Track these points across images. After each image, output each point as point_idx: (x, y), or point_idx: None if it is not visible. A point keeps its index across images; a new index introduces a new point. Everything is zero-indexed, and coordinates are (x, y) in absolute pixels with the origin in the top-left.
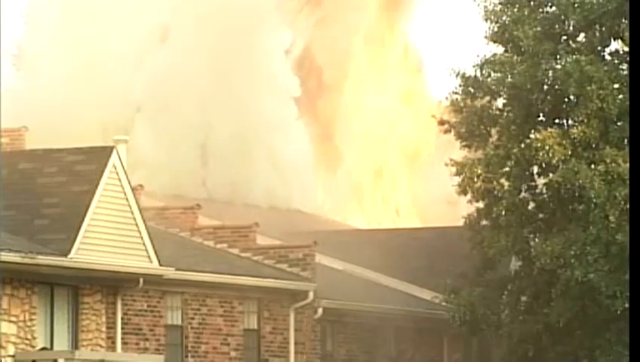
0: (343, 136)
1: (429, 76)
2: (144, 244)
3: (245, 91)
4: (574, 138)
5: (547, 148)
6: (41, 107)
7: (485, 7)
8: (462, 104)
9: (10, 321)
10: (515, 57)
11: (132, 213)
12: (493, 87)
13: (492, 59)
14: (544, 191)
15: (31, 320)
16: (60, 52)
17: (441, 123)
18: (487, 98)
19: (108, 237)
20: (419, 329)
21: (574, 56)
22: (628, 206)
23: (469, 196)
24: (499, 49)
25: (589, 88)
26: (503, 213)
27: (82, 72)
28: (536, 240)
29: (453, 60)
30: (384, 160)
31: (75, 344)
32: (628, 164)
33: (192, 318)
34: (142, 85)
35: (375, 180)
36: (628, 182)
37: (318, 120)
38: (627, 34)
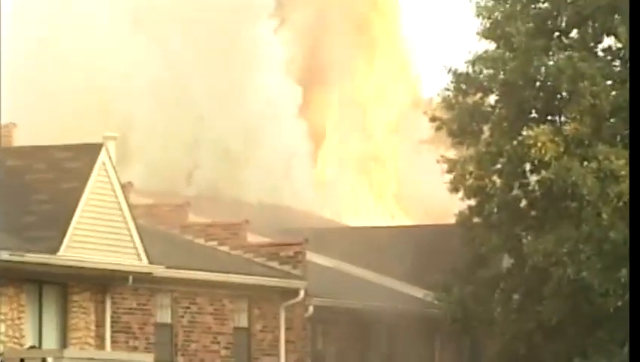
0: (335, 134)
1: (422, 73)
2: (133, 242)
3: (236, 89)
4: (567, 135)
5: (539, 145)
6: (32, 103)
7: (477, 3)
8: (454, 101)
9: None
10: (508, 53)
11: (121, 210)
12: (485, 83)
13: (484, 55)
14: (536, 188)
15: (19, 318)
16: (50, 47)
17: (433, 119)
18: (479, 95)
19: (97, 235)
20: (410, 327)
21: (567, 53)
22: (621, 203)
23: (460, 193)
24: (491, 45)
25: (581, 85)
26: (495, 210)
27: (73, 68)
28: (529, 237)
29: (445, 57)
30: (375, 157)
31: (64, 342)
32: (621, 161)
33: (182, 316)
34: (134, 84)
35: (366, 177)
36: (620, 179)
37: (310, 118)
38: (620, 30)
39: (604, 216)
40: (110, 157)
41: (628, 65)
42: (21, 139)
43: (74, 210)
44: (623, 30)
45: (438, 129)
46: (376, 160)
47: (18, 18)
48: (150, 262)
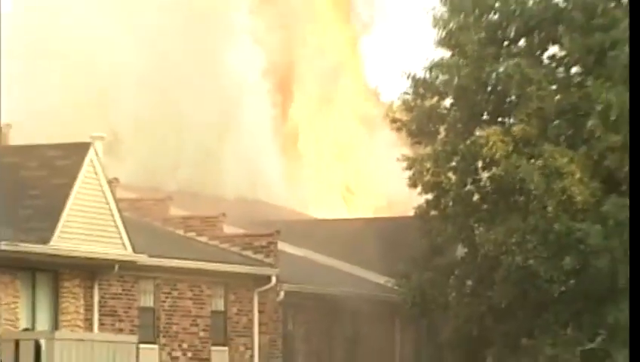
0: (306, 135)
1: (384, 79)
2: (119, 233)
3: (214, 91)
4: (515, 135)
5: (490, 144)
6: (29, 104)
7: (434, 15)
8: (412, 104)
9: None
10: (461, 61)
11: (108, 203)
12: (441, 88)
13: (440, 62)
14: (488, 184)
15: (14, 302)
16: (44, 53)
17: (394, 121)
18: (436, 98)
19: (86, 226)
20: (373, 310)
21: (515, 60)
22: (564, 197)
23: (419, 189)
24: (446, 53)
25: (528, 89)
26: (450, 204)
27: (69, 72)
28: (481, 229)
29: (404, 64)
30: (342, 156)
31: (56, 325)
32: (565, 159)
33: (164, 301)
34: (123, 83)
35: (332, 174)
36: (564, 175)
37: (282, 120)
38: (564, 39)
39: (549, 209)
40: (98, 155)
41: (571, 71)
42: (16, 138)
43: (64, 204)
44: (567, 39)
45: (398, 130)
46: (340, 158)
47: (16, 18)
48: (134, 252)
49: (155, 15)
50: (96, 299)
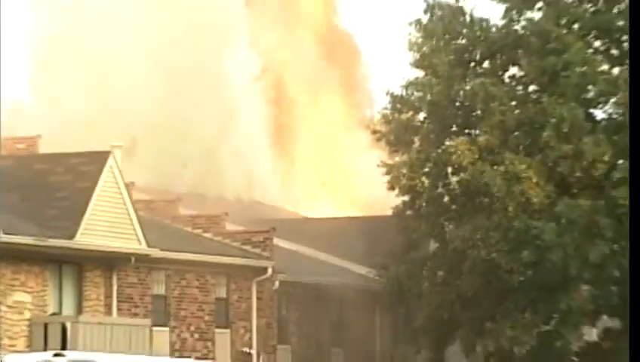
0: (298, 143)
1: (366, 94)
2: (135, 230)
3: (214, 97)
4: (480, 145)
5: (459, 153)
6: (55, 117)
7: (409, 39)
8: (391, 117)
9: (26, 292)
10: (433, 80)
11: (125, 204)
12: (416, 103)
13: (415, 81)
14: (456, 187)
15: (43, 291)
16: (67, 66)
17: (374, 132)
18: (411, 113)
19: (106, 224)
20: (356, 298)
21: (480, 79)
22: (523, 199)
23: (396, 191)
24: (420, 73)
25: (492, 105)
26: (424, 204)
27: (92, 85)
28: (450, 226)
29: (384, 83)
30: (330, 162)
31: (79, 310)
32: (523, 166)
33: (174, 289)
34: (142, 100)
35: (322, 178)
36: (523, 180)
37: (277, 128)
38: (522, 61)
39: (510, 209)
40: (116, 162)
41: (529, 89)
42: (44, 146)
43: (87, 205)
44: (525, 62)
45: (378, 140)
46: (327, 163)
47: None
48: (148, 246)
49: (160, 29)
50: (114, 287)
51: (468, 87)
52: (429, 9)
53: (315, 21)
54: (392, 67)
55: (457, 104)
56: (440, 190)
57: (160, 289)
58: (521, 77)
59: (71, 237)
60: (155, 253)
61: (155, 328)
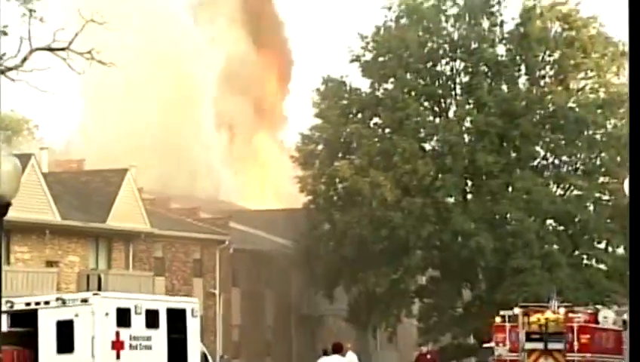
0: (248, 165)
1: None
2: (143, 217)
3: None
4: (356, 165)
5: (343, 170)
6: (101, 140)
7: (312, 100)
8: (302, 148)
9: (76, 255)
10: (327, 125)
11: (137, 201)
12: (317, 140)
13: (316, 126)
14: (341, 191)
15: (86, 254)
16: (102, 100)
17: (292, 157)
18: (314, 145)
19: (125, 212)
20: (280, 259)
21: (356, 125)
22: (382, 198)
23: (304, 193)
24: (319, 121)
25: (363, 141)
26: (321, 202)
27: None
28: (337, 215)
29: (298, 127)
30: (266, 175)
31: (109, 266)
32: (382, 178)
33: (167, 253)
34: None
35: (262, 185)
36: (381, 185)
37: (235, 157)
38: (382, 114)
39: (374, 204)
40: (132, 175)
41: (385, 131)
42: (88, 165)
43: (113, 202)
44: (383, 115)
45: (294, 162)
46: (265, 176)
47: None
48: (152, 227)
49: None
50: (130, 253)
51: (348, 130)
52: (325, 81)
53: None
54: (302, 117)
55: (342, 140)
56: (331, 193)
57: (159, 254)
58: (381, 123)
59: (103, 221)
60: (156, 231)
61: (156, 278)
